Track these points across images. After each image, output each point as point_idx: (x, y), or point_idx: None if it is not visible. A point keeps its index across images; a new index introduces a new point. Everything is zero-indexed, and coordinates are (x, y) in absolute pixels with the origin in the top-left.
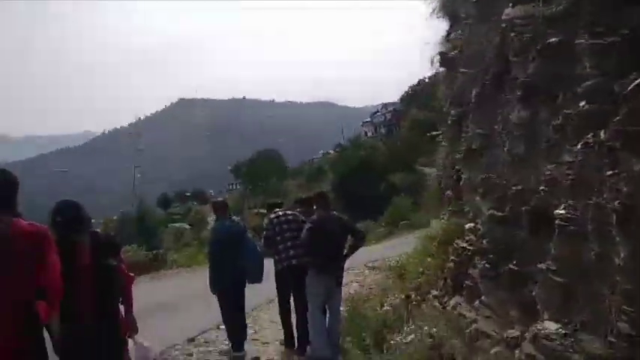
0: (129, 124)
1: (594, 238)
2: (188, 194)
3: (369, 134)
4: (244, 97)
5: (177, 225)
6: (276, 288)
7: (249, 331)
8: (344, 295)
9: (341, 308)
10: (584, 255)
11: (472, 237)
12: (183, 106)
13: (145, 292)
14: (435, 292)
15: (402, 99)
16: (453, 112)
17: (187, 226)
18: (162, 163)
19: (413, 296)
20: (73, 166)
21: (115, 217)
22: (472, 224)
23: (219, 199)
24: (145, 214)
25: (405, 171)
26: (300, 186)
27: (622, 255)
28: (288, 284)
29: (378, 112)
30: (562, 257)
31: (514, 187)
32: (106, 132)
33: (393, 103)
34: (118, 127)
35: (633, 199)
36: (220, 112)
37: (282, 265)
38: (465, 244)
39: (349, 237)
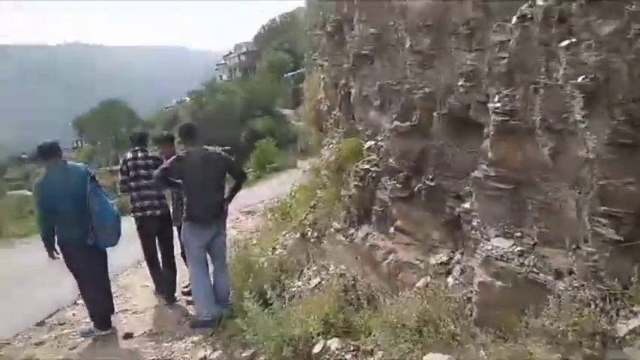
0: None
1: (545, 131)
2: (25, 156)
3: (224, 78)
4: (77, 42)
5: (17, 192)
6: (141, 244)
7: (117, 302)
8: None
9: (227, 257)
10: (531, 153)
11: (374, 156)
12: (7, 51)
13: None
14: (336, 225)
15: (256, 39)
16: (331, 18)
17: (29, 192)
18: None
19: (309, 234)
20: None
21: None
22: (372, 142)
23: (45, 141)
24: None
25: (265, 115)
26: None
27: (590, 145)
28: (150, 237)
29: (231, 53)
30: (502, 159)
31: (421, 91)
32: None
33: (247, 44)
34: None
35: (604, 71)
36: (51, 59)
37: (138, 217)
38: (367, 166)
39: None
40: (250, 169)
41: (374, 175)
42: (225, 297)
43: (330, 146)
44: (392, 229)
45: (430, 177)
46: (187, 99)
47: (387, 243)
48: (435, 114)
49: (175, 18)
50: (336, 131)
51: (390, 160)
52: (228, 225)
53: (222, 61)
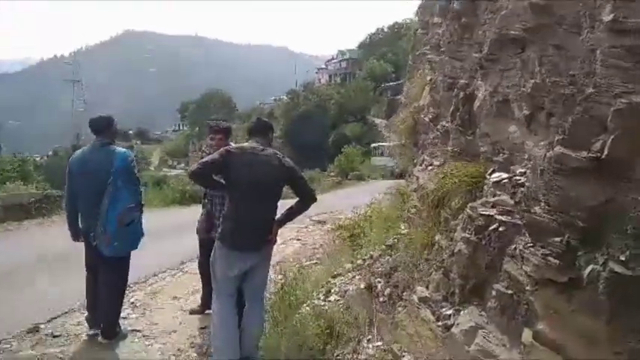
0: (70, 53)
1: None
2: (130, 132)
3: (323, 82)
4: (196, 35)
5: None
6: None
7: (132, 315)
8: (279, 257)
9: (266, 293)
10: None
11: (505, 198)
12: (130, 37)
13: (13, 244)
14: (422, 292)
15: (360, 47)
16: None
17: None
18: (105, 97)
19: (379, 287)
20: (10, 92)
21: (49, 154)
22: (505, 174)
23: (100, 115)
24: (79, 149)
25: (356, 121)
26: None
27: None
28: None
29: (333, 58)
30: None
31: (622, 100)
32: (45, 59)
33: (350, 51)
34: (59, 55)
35: None
36: (169, 48)
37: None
38: (490, 211)
39: (284, 191)
40: (332, 174)
41: (502, 229)
42: (253, 349)
43: (429, 168)
44: (527, 335)
45: (622, 256)
46: (284, 97)
47: (514, 355)
48: None
49: (281, 18)
50: (442, 149)
51: (539, 211)
52: (293, 234)
53: (324, 66)
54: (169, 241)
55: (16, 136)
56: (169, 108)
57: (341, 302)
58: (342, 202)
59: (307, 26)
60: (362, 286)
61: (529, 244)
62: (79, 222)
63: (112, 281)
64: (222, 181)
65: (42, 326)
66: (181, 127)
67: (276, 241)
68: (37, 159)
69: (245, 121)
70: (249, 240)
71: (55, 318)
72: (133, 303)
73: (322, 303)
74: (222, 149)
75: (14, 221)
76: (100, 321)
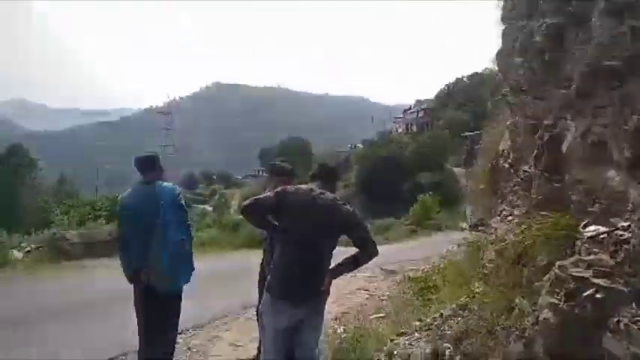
0: (163, 103)
1: None
2: (214, 177)
3: (400, 130)
4: (279, 86)
5: (200, 206)
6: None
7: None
8: (344, 308)
9: (323, 348)
10: None
11: (604, 257)
12: (219, 89)
13: (81, 281)
14: None
15: (438, 97)
16: (545, 25)
17: (209, 209)
18: (194, 143)
19: (448, 354)
20: (112, 139)
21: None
22: (602, 229)
23: (145, 154)
24: None
25: (432, 170)
26: None
27: None
28: None
29: (410, 108)
30: None
31: None
32: (141, 109)
33: (427, 101)
34: (153, 105)
35: None
36: (254, 99)
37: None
38: (585, 272)
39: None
40: (407, 222)
41: (600, 295)
42: None
43: (509, 218)
44: None
45: None
46: (360, 145)
47: None
48: None
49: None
50: (524, 197)
51: None
52: (360, 283)
53: (401, 115)
54: (234, 284)
55: (109, 176)
56: (252, 154)
57: None
58: (415, 251)
59: (384, 76)
60: (428, 350)
61: (637, 318)
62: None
63: (166, 319)
64: (274, 222)
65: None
66: (261, 173)
67: (329, 293)
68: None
69: None
70: (299, 290)
71: (126, 354)
72: (189, 348)
73: None
74: (278, 188)
75: (91, 258)
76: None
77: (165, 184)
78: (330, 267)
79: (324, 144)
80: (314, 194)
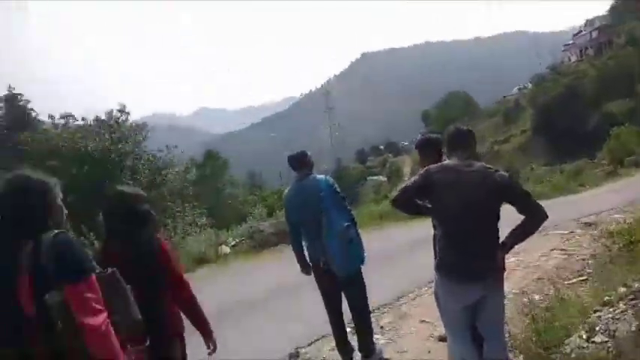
0: (321, 85)
1: None
2: (381, 147)
3: (573, 59)
4: (426, 42)
5: (374, 178)
6: None
7: (380, 339)
8: (539, 273)
9: (503, 332)
10: None
11: None
12: (367, 59)
13: (280, 266)
14: None
15: (613, 9)
16: None
17: (384, 179)
18: (355, 118)
19: None
20: (279, 131)
21: None
22: None
23: (295, 152)
24: (342, 171)
25: (622, 97)
26: (496, 127)
27: None
28: None
29: (581, 31)
30: None
31: None
32: (303, 95)
33: (600, 18)
34: (313, 89)
35: None
36: (404, 60)
37: None
38: None
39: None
40: (603, 162)
41: None
42: None
43: None
44: None
45: None
46: (530, 85)
47: None
48: None
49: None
50: None
51: None
52: (555, 242)
53: (571, 41)
54: (416, 257)
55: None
56: (413, 117)
57: (609, 346)
58: (616, 196)
59: (539, 3)
60: (633, 327)
61: None
62: (306, 252)
63: (355, 299)
64: (428, 205)
65: (302, 350)
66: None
67: (504, 268)
68: None
69: (492, 117)
70: (469, 269)
71: (312, 343)
72: (382, 327)
73: (584, 344)
74: (422, 170)
75: (285, 244)
76: (359, 343)
77: (318, 176)
78: (502, 240)
79: (489, 92)
80: (459, 168)
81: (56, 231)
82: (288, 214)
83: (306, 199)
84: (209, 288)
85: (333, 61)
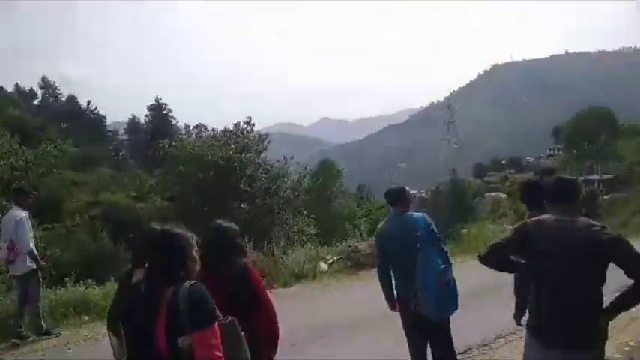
0: (444, 98)
1: None
2: (503, 162)
3: None
4: (566, 52)
5: (493, 194)
6: None
7: None
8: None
9: None
10: None
11: None
12: (497, 71)
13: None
14: None
15: None
16: None
17: (503, 195)
18: (478, 132)
19: None
20: (395, 142)
21: (423, 192)
22: None
23: (394, 186)
24: (458, 186)
25: None
26: (638, 147)
27: None
28: None
29: None
30: None
31: None
32: (422, 107)
33: None
34: (434, 101)
35: None
36: (538, 72)
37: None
38: None
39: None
40: None
41: None
42: None
43: None
44: None
45: None
46: None
47: None
48: None
49: None
50: None
51: None
52: None
53: None
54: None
55: (404, 176)
56: (542, 132)
57: None
58: None
59: None
60: None
61: None
62: (394, 289)
63: (441, 347)
64: (521, 261)
65: None
66: (556, 152)
67: (606, 337)
68: (423, 194)
69: (632, 138)
70: (566, 336)
71: None
72: None
73: None
74: (518, 224)
75: None
76: None
77: (415, 214)
78: (605, 306)
79: (631, 109)
80: (562, 225)
81: (192, 281)
82: (381, 247)
83: (402, 237)
84: (300, 306)
85: (456, 74)
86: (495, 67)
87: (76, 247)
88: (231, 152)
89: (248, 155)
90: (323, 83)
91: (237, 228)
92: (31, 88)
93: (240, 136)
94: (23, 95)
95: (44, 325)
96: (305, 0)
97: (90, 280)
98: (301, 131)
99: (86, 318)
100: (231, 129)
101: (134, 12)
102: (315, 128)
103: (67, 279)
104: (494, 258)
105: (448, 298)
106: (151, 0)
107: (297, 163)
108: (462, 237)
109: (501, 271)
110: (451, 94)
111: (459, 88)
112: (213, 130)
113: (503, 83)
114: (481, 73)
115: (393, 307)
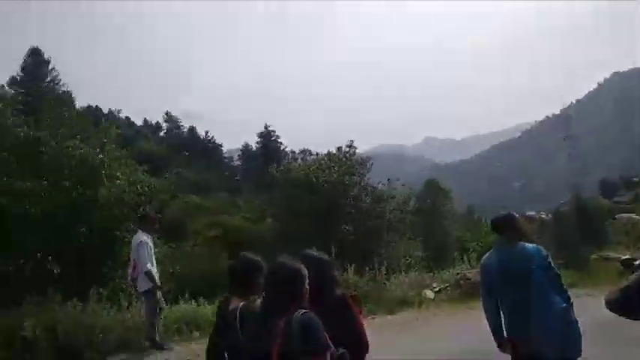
0: (560, 111)
1: None
2: (635, 179)
3: None
4: None
5: (625, 215)
6: None
7: None
8: None
9: None
10: None
11: None
12: (619, 80)
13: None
14: None
15: None
16: None
17: (636, 216)
18: (601, 145)
19: None
20: (507, 159)
21: (542, 214)
22: None
23: (502, 212)
24: (585, 206)
25: None
26: None
27: None
28: None
29: None
30: None
31: None
32: (537, 122)
33: None
34: (550, 115)
35: None
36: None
37: None
38: None
39: None
40: None
41: None
42: None
43: None
44: None
45: None
46: None
47: None
48: None
49: None
50: None
51: None
52: None
53: None
54: None
55: (518, 196)
56: None
57: None
58: None
59: None
60: None
61: None
62: (503, 326)
63: None
64: None
65: None
66: None
67: None
68: (543, 216)
69: None
70: None
71: None
72: None
73: None
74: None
75: None
76: None
77: (528, 245)
78: None
79: None
80: None
81: (303, 310)
82: (487, 283)
83: (512, 271)
84: (402, 337)
85: (571, 86)
86: (617, 76)
87: (195, 265)
88: (335, 175)
89: (352, 178)
90: (429, 100)
91: (331, 261)
92: (157, 122)
93: (344, 159)
94: (150, 128)
95: (158, 340)
96: None
97: (201, 298)
98: (407, 151)
99: (197, 334)
100: (334, 152)
101: (242, 53)
102: (420, 147)
103: (179, 297)
104: (628, 306)
105: (574, 339)
106: (254, 44)
107: (403, 185)
108: (590, 265)
109: (634, 319)
110: (569, 106)
111: (577, 100)
112: (317, 154)
113: (626, 92)
114: (601, 82)
115: (504, 349)
